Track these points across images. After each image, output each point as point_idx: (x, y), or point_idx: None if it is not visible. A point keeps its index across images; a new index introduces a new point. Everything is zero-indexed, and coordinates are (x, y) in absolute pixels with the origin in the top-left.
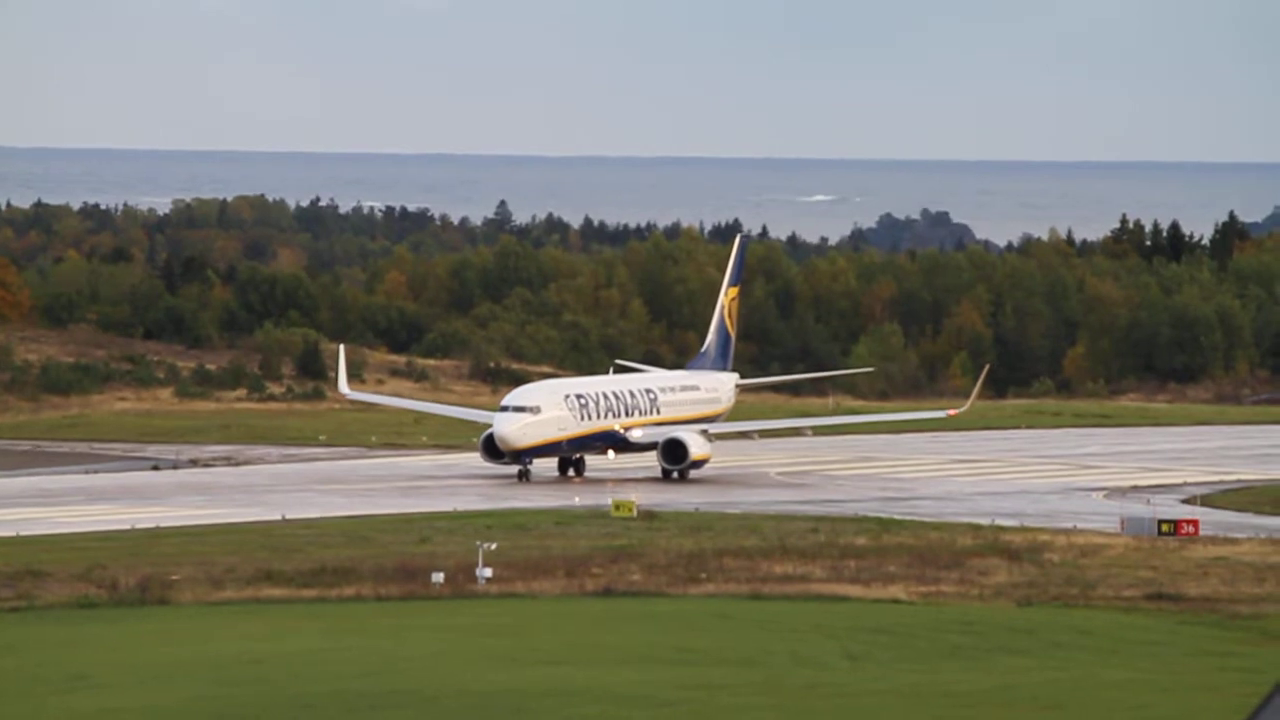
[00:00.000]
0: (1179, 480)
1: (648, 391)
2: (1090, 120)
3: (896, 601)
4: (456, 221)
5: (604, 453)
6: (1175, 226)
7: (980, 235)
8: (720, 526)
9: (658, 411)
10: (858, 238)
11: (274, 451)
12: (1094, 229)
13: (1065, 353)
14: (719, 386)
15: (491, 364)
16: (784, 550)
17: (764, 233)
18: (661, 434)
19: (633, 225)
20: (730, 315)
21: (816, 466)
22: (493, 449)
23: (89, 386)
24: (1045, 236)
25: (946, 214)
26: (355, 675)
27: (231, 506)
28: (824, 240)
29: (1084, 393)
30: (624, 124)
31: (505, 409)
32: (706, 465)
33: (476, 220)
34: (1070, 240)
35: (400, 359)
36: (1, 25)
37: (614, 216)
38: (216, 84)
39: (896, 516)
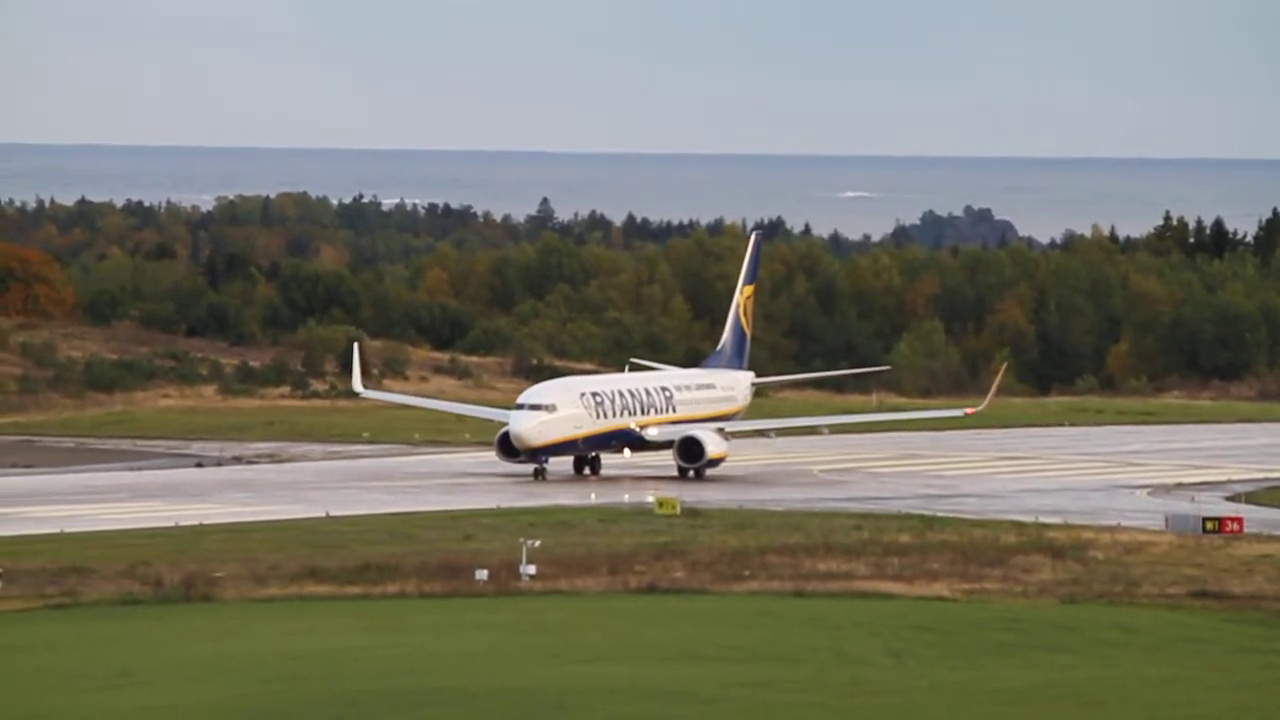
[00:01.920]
0: (1223, 478)
1: (663, 390)
2: (1133, 116)
3: (940, 599)
4: (499, 218)
5: (620, 451)
6: (1219, 223)
7: (1023, 232)
8: (764, 524)
9: (674, 410)
10: (900, 234)
11: (317, 449)
12: (1137, 225)
13: (1109, 350)
14: (735, 385)
15: (534, 361)
16: (828, 547)
17: (806, 229)
18: (677, 432)
19: (675, 222)
20: (746, 313)
21: (860, 464)
22: (508, 447)
23: (133, 383)
24: (1088, 233)
25: (989, 211)
26: (398, 673)
27: (275, 503)
28: (866, 237)
29: (1127, 390)
30: (666, 121)
31: (521, 407)
32: (723, 463)
33: (519, 217)
34: (1113, 237)
35: (443, 356)
36: (45, 24)
37: (656, 213)
38: (260, 81)
39: (940, 514)
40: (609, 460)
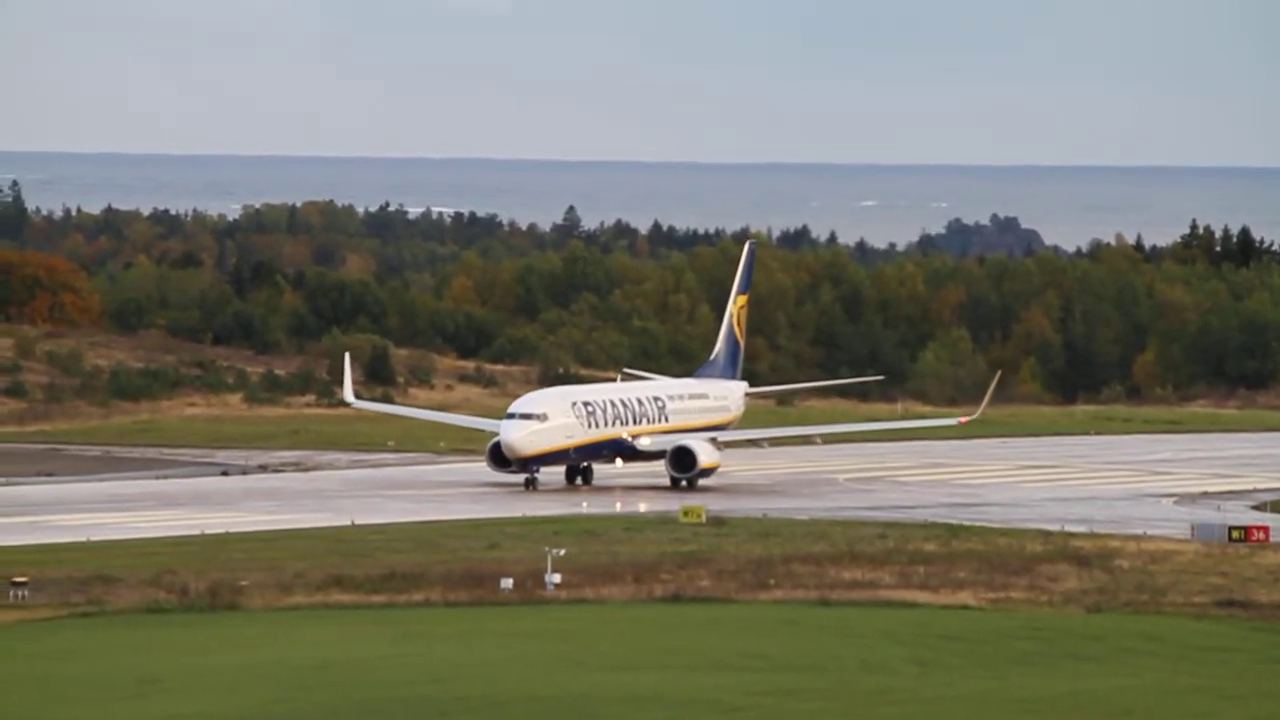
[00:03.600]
0: (1249, 486)
1: (656, 399)
2: (1160, 125)
3: (965, 608)
4: (525, 227)
5: (612, 461)
6: (1245, 232)
7: (1049, 241)
8: (789, 532)
9: (666, 419)
10: (926, 243)
11: (343, 457)
12: (1163, 234)
13: (1135, 359)
14: (728, 394)
15: (560, 370)
16: (853, 556)
17: (832, 238)
18: (670, 442)
19: (701, 230)
20: (739, 323)
21: (885, 472)
22: (500, 457)
23: (159, 392)
24: (1114, 242)
25: (1015, 219)
26: (424, 681)
27: (301, 512)
28: (892, 245)
29: (1154, 399)
30: (693, 130)
31: (512, 416)
32: (715, 473)
33: (545, 225)
34: (1139, 246)
35: (469, 364)
36: (73, 32)
37: (682, 222)
38: (287, 90)
39: (965, 522)
40: (601, 470)
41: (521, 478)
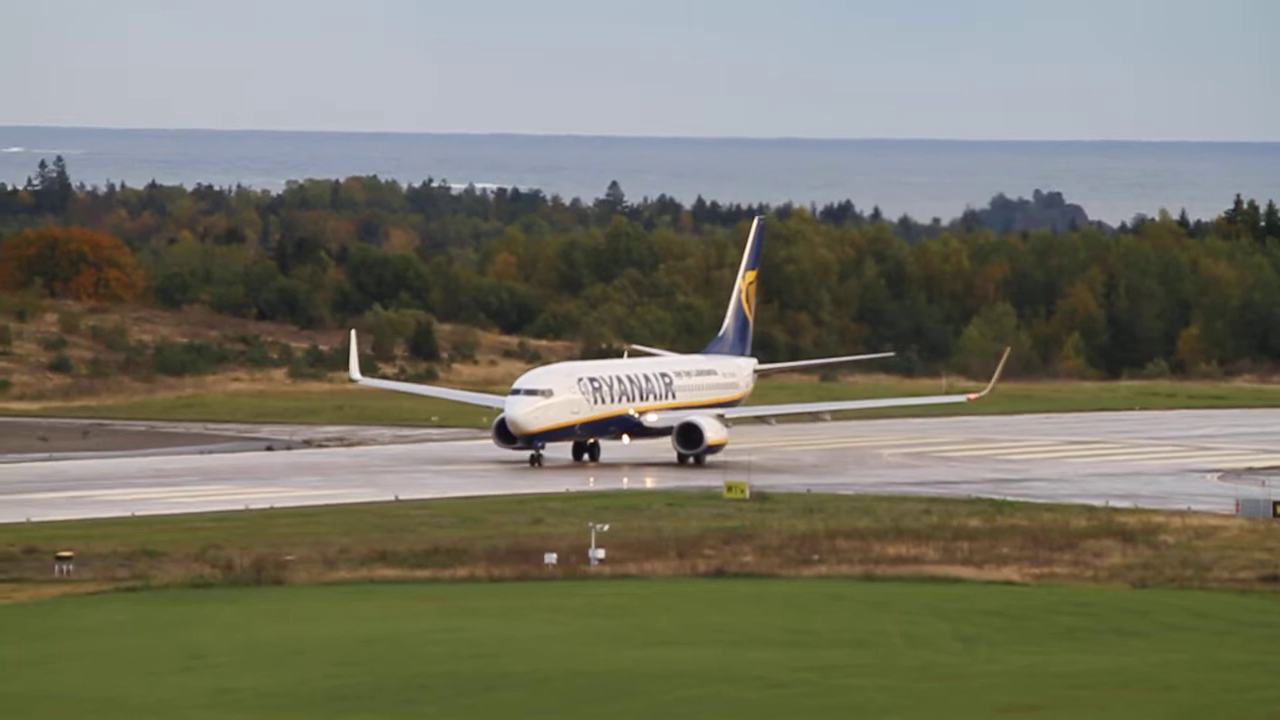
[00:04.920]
0: None
1: (663, 375)
2: (1203, 99)
3: (1010, 583)
4: (568, 202)
5: (618, 437)
6: None
7: (1093, 216)
8: (833, 508)
9: (673, 396)
10: (970, 218)
11: (387, 432)
12: (1207, 209)
13: (1179, 334)
14: (737, 371)
15: (603, 345)
16: (897, 532)
17: (876, 213)
18: (676, 418)
19: (744, 206)
20: (748, 299)
21: (929, 448)
22: (506, 434)
23: (203, 367)
24: (1158, 217)
25: (1059, 194)
26: (468, 656)
27: (345, 487)
28: (936, 221)
29: (1198, 374)
30: (736, 104)
31: (517, 392)
32: (723, 449)
33: (588, 201)
34: (1184, 221)
35: (512, 340)
36: (115, 8)
37: (725, 197)
38: (329, 66)
39: (1010, 498)
40: (608, 446)
41: (527, 454)
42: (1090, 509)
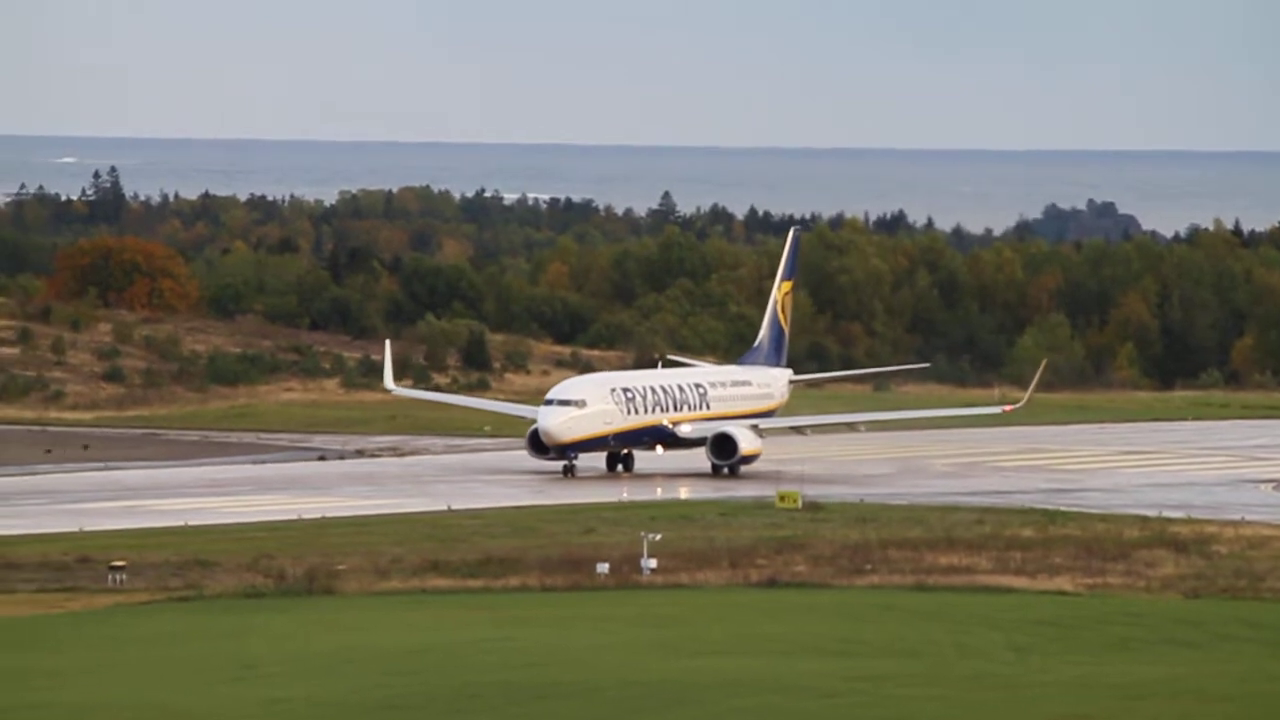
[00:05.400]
0: None
1: (697, 386)
2: (1257, 109)
3: (1063, 593)
4: (621, 212)
5: (652, 448)
6: None
7: (1146, 226)
8: (885, 518)
9: (707, 407)
10: (1023, 228)
11: (439, 442)
12: (1261, 219)
13: (1233, 344)
14: (772, 382)
15: (656, 355)
16: (949, 541)
17: (929, 223)
18: (710, 429)
19: (797, 216)
20: (784, 310)
21: (982, 458)
22: (539, 444)
23: (255, 377)
24: (1212, 227)
25: (1113, 204)
26: (520, 666)
27: (397, 497)
28: (989, 231)
29: (1252, 384)
30: (789, 115)
31: (550, 403)
32: (757, 460)
33: (641, 211)
34: (1238, 230)
35: (565, 350)
36: (164, 19)
37: (778, 207)
38: (383, 77)
39: (1063, 508)
40: (642, 457)
41: (560, 465)
42: (1143, 519)
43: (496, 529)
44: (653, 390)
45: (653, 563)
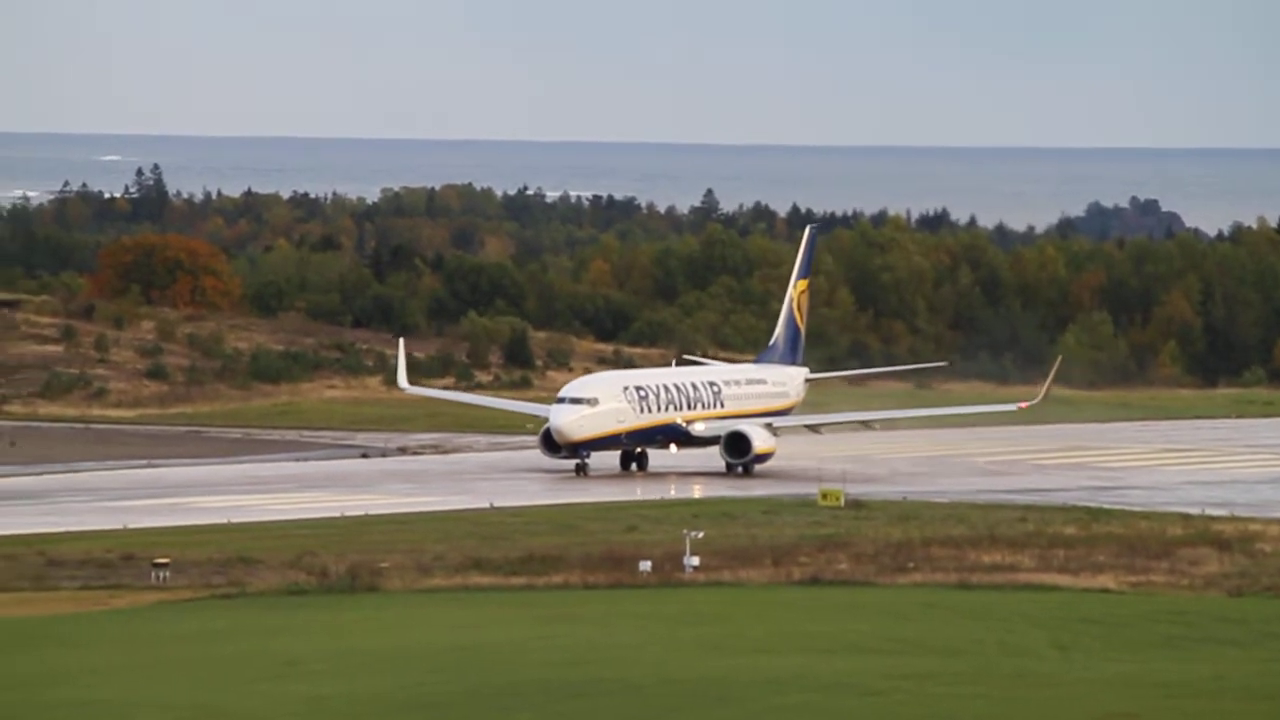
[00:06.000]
0: None
1: (711, 384)
2: None
3: (1106, 591)
4: (663, 210)
5: (665, 446)
6: None
7: (1190, 223)
8: (928, 515)
9: (721, 405)
10: (1065, 226)
11: (481, 440)
12: None
13: (1276, 341)
14: (787, 380)
15: (698, 353)
16: (992, 539)
17: (971, 221)
18: (724, 428)
19: (838, 213)
20: (800, 308)
21: (1024, 455)
22: (551, 442)
23: (298, 375)
24: (1255, 225)
25: (1156, 202)
26: (562, 663)
27: (440, 494)
28: (1031, 228)
29: None
30: (830, 113)
31: (562, 401)
32: (771, 458)
33: (683, 208)
34: None
35: (607, 347)
36: (208, 19)
37: (821, 205)
38: (425, 74)
39: (1106, 506)
40: (656, 455)
41: (572, 463)
42: (1186, 517)
43: (538, 526)
44: (666, 389)
45: (695, 560)
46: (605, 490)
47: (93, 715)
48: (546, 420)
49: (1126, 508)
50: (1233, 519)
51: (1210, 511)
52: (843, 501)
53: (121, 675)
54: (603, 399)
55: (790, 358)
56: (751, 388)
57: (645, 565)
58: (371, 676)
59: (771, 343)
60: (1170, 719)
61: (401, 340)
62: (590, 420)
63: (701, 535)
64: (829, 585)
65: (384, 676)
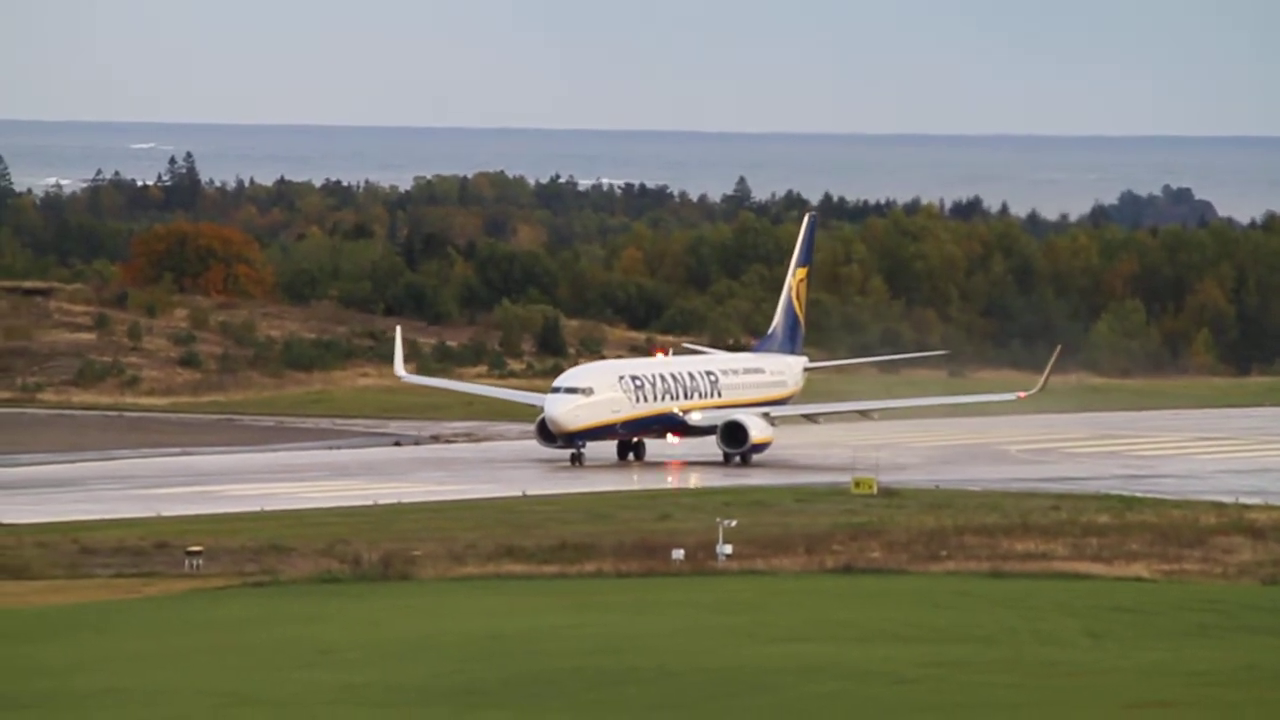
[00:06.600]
0: None
1: (708, 373)
2: None
3: (1139, 580)
4: (695, 198)
5: (663, 436)
6: None
7: (1223, 212)
8: (961, 504)
9: (719, 394)
10: (1098, 214)
11: (514, 428)
12: None
13: None
14: (785, 369)
15: (730, 341)
16: (1025, 528)
17: (1004, 209)
18: (721, 417)
19: (871, 202)
20: (799, 297)
21: (1057, 444)
22: (547, 432)
23: (331, 363)
24: None
25: (1189, 190)
26: (596, 652)
27: (472, 483)
28: (1064, 216)
29: None
30: (863, 101)
31: (557, 390)
32: (769, 448)
33: (715, 197)
34: None
35: (639, 336)
36: (240, 7)
37: (853, 193)
38: (457, 62)
39: (1139, 494)
40: (654, 445)
41: (568, 453)
42: (1220, 505)
43: (571, 515)
44: (662, 378)
45: (728, 549)
46: (601, 480)
47: (125, 702)
48: (541, 410)
49: (1160, 496)
50: (1267, 508)
51: (1244, 500)
52: (875, 490)
53: (154, 663)
54: (598, 389)
55: (789, 347)
56: (749, 377)
57: (678, 553)
58: (404, 665)
59: (770, 331)
60: (1203, 708)
61: (399, 329)
62: (585, 410)
63: (734, 524)
64: (862, 573)
65: (416, 665)
